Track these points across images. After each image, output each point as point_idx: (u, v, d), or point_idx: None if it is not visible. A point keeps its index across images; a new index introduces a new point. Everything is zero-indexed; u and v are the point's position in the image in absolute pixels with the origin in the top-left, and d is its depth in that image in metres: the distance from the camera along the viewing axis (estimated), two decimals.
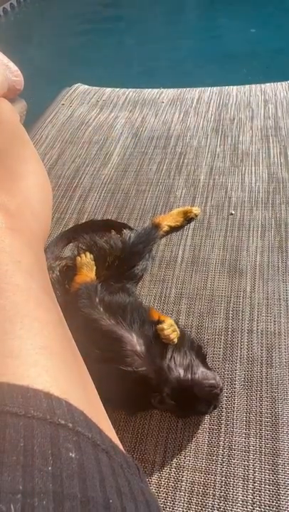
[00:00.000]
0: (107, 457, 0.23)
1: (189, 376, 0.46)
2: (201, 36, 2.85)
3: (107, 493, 0.21)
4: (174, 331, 0.48)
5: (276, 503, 0.41)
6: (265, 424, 0.47)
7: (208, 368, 0.48)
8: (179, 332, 0.49)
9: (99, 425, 0.24)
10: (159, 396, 0.46)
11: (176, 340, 0.47)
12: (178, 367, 0.47)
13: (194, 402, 0.46)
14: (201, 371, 0.46)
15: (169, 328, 0.47)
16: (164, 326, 0.48)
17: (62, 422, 0.21)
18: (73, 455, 0.20)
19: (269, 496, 0.42)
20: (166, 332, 0.47)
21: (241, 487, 0.43)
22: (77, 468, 0.20)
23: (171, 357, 0.47)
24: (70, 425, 0.21)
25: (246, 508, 0.41)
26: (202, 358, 0.49)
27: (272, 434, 0.46)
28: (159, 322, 0.49)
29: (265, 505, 0.41)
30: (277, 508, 0.41)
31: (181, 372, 0.46)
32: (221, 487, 0.43)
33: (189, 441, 0.47)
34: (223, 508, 0.41)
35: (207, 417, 0.48)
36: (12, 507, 0.17)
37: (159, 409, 0.49)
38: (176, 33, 2.97)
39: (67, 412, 0.22)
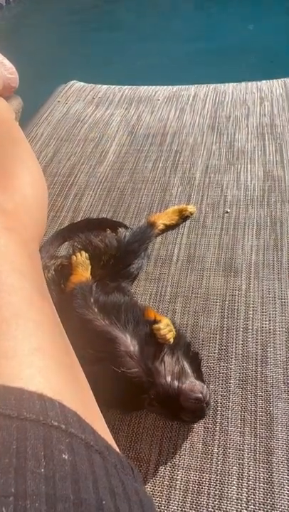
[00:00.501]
0: (101, 458, 0.23)
1: (176, 384, 0.45)
2: (197, 33, 2.83)
3: (100, 494, 0.21)
4: (170, 331, 0.48)
5: (270, 500, 0.41)
6: (260, 423, 0.47)
7: (200, 378, 0.48)
8: (175, 332, 0.49)
9: (93, 426, 0.24)
10: (148, 398, 0.45)
11: (172, 340, 0.47)
12: (167, 372, 0.46)
13: (179, 410, 0.45)
14: (189, 381, 0.45)
15: (166, 328, 0.47)
16: (161, 325, 0.47)
17: (55, 423, 0.21)
18: (66, 457, 0.20)
19: (263, 493, 0.42)
20: (162, 332, 0.47)
21: (236, 485, 0.43)
22: (70, 469, 0.20)
23: (161, 360, 0.47)
24: (63, 427, 0.21)
25: (241, 506, 0.41)
26: (196, 366, 0.49)
27: (267, 432, 0.46)
28: (156, 322, 0.48)
29: (259, 503, 0.41)
30: (271, 506, 0.41)
31: (169, 378, 0.46)
32: (216, 485, 0.43)
33: (184, 440, 0.47)
34: (218, 506, 0.42)
35: None
36: (4, 510, 0.17)
37: (149, 411, 0.49)
38: (172, 30, 2.95)
39: (60, 413, 0.22)
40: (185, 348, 0.50)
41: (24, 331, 0.26)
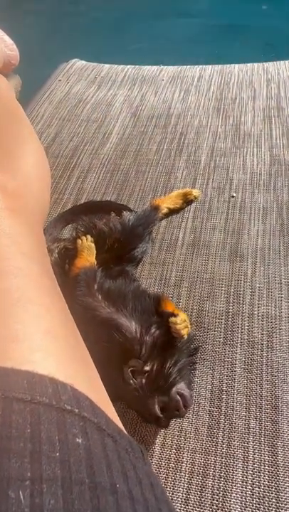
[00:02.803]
0: (113, 442, 0.23)
1: (174, 375, 0.44)
2: (205, 12, 2.74)
3: (114, 477, 0.21)
4: (185, 326, 0.47)
5: (275, 483, 0.42)
6: (265, 407, 0.47)
7: (190, 383, 0.48)
8: (190, 329, 0.48)
9: (103, 409, 0.24)
10: (138, 365, 0.44)
11: (186, 336, 0.46)
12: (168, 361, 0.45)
13: (156, 398, 0.44)
14: (187, 381, 0.45)
15: (182, 324, 0.46)
16: (178, 320, 0.46)
17: (69, 407, 0.21)
18: (80, 441, 0.20)
19: (268, 476, 0.42)
20: (178, 326, 0.46)
21: (241, 468, 0.43)
22: (84, 453, 0.20)
23: (164, 350, 0.46)
24: (76, 410, 0.21)
25: (246, 488, 0.42)
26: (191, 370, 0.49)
27: (272, 416, 0.46)
28: (173, 315, 0.47)
29: (264, 486, 0.42)
30: (276, 489, 0.41)
31: (168, 366, 0.45)
32: (221, 468, 0.43)
33: (190, 423, 0.47)
34: (223, 488, 0.42)
35: (207, 400, 0.48)
36: (21, 493, 0.17)
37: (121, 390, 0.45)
38: (178, 8, 2.86)
39: (73, 397, 0.22)
40: (189, 347, 0.49)
41: (33, 314, 0.25)
